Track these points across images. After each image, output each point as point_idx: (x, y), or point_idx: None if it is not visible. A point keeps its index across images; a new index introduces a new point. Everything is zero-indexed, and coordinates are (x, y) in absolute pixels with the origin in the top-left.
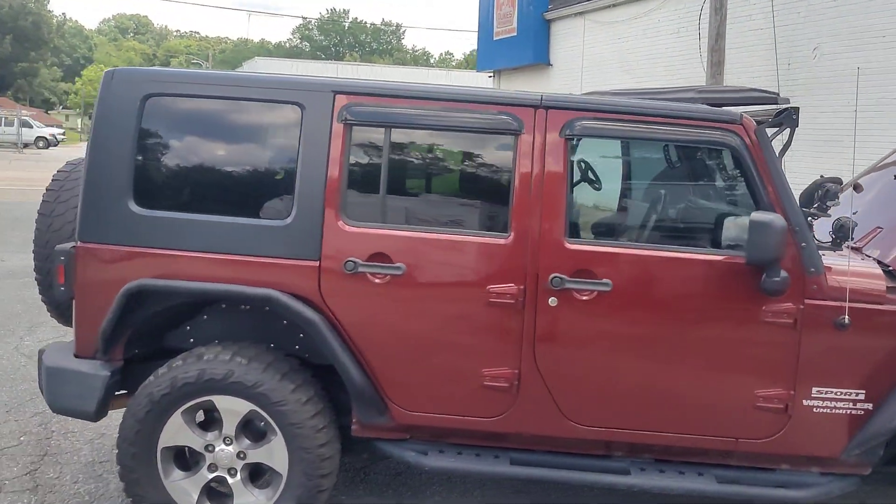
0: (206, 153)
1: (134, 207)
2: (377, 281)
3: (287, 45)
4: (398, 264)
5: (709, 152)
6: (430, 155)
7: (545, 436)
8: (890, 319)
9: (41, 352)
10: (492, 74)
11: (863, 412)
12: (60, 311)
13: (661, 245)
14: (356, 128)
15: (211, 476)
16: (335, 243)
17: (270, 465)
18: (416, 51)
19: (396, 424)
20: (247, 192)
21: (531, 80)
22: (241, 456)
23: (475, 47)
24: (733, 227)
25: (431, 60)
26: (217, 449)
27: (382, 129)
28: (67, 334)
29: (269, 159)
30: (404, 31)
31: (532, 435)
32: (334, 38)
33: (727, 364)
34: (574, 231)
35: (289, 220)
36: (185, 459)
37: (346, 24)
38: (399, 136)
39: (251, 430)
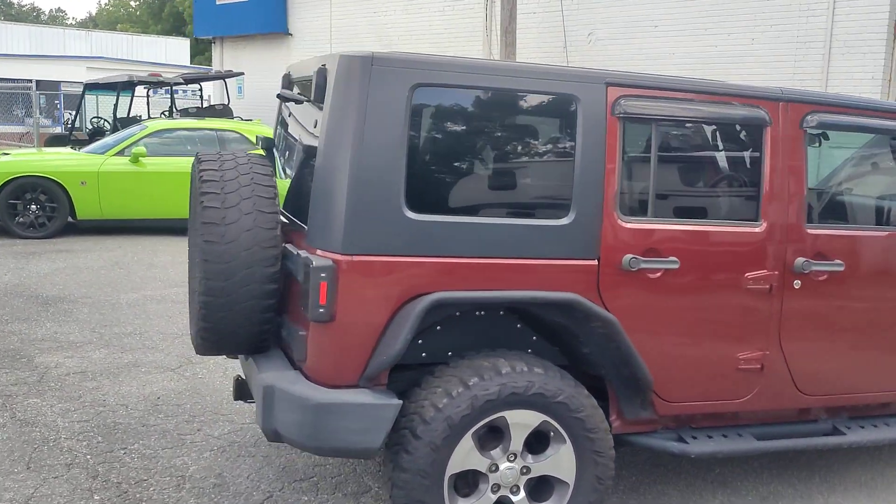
0: (475, 149)
1: (409, 213)
2: (654, 276)
3: None
4: (672, 258)
5: None
6: (688, 147)
7: (775, 409)
8: None
9: (271, 388)
10: (213, 40)
11: None
12: (224, 340)
13: (880, 226)
14: (626, 122)
15: (495, 497)
16: (613, 240)
17: (555, 476)
18: (24, 6)
19: (657, 417)
20: (522, 191)
21: (268, 51)
22: (525, 471)
23: (100, 5)
24: None
25: (42, 17)
26: (502, 467)
27: (650, 123)
28: (19, 364)
29: (543, 154)
30: None
31: (766, 410)
32: None
33: None
34: (811, 217)
35: (568, 218)
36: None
37: None
38: (664, 128)
39: (526, 441)
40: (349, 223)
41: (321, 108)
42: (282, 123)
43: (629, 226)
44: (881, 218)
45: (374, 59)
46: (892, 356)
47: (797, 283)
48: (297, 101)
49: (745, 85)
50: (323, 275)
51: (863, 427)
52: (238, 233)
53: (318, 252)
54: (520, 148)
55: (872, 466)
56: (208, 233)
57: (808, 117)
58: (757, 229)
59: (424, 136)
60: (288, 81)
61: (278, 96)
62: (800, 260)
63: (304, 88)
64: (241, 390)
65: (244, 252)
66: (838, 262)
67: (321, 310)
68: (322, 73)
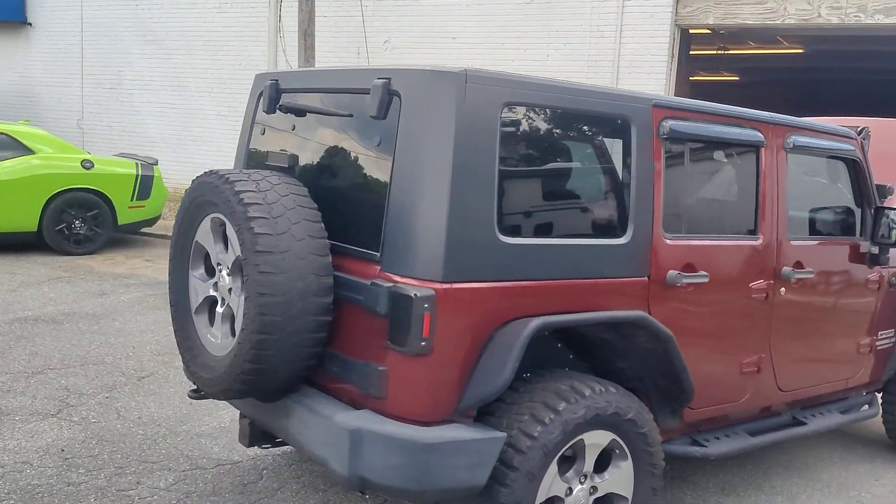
0: (552, 169)
1: (500, 236)
2: (689, 290)
3: None
4: (702, 272)
5: (845, 161)
6: (712, 166)
7: (761, 407)
8: None
9: (359, 431)
10: None
11: (893, 344)
12: (268, 381)
13: (833, 236)
14: (667, 142)
15: None
16: (659, 258)
17: (616, 492)
18: None
19: (683, 424)
20: (591, 210)
21: (2, 42)
22: (592, 491)
23: None
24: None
25: None
26: (575, 490)
27: (685, 143)
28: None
29: (606, 174)
30: None
31: (755, 409)
32: None
33: (856, 322)
34: (790, 230)
35: (626, 237)
36: None
37: None
38: (696, 149)
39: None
40: (449, 250)
41: (383, 125)
42: (266, 136)
43: (671, 243)
44: (829, 229)
45: (467, 75)
46: (838, 352)
47: (783, 290)
48: (327, 115)
49: (746, 109)
50: (426, 305)
51: (814, 416)
52: (294, 262)
53: (406, 280)
54: (589, 168)
55: (789, 451)
56: (264, 263)
57: (788, 139)
58: (757, 242)
59: (510, 157)
60: (276, 91)
61: (283, 108)
62: (786, 269)
63: (327, 102)
64: (256, 434)
65: (300, 283)
66: (810, 269)
67: (423, 343)
68: (386, 87)
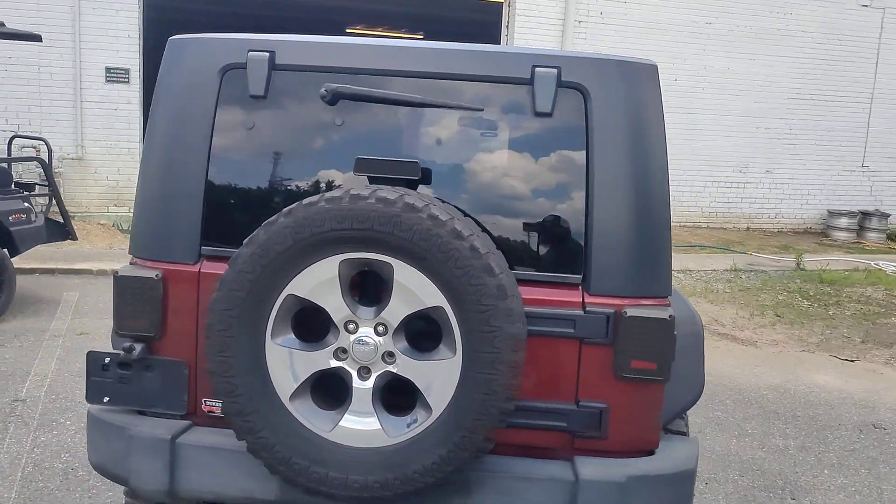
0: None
1: None
2: None
3: None
4: None
5: None
6: None
7: None
8: None
9: (629, 481)
10: None
11: None
12: None
13: None
14: None
15: None
16: None
17: None
18: None
19: None
20: None
21: None
22: None
23: None
24: None
25: None
26: None
27: None
28: None
29: None
30: None
31: None
32: None
33: None
34: None
35: None
36: None
37: None
38: None
39: None
40: (670, 262)
41: (547, 123)
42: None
43: None
44: None
45: (655, 67)
46: None
47: None
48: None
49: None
50: (673, 325)
51: None
52: (517, 302)
53: (636, 301)
54: None
55: None
56: (517, 311)
57: None
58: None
59: None
60: (270, 67)
61: (344, 96)
62: None
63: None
64: None
65: (522, 326)
66: None
67: (670, 364)
68: (559, 77)
